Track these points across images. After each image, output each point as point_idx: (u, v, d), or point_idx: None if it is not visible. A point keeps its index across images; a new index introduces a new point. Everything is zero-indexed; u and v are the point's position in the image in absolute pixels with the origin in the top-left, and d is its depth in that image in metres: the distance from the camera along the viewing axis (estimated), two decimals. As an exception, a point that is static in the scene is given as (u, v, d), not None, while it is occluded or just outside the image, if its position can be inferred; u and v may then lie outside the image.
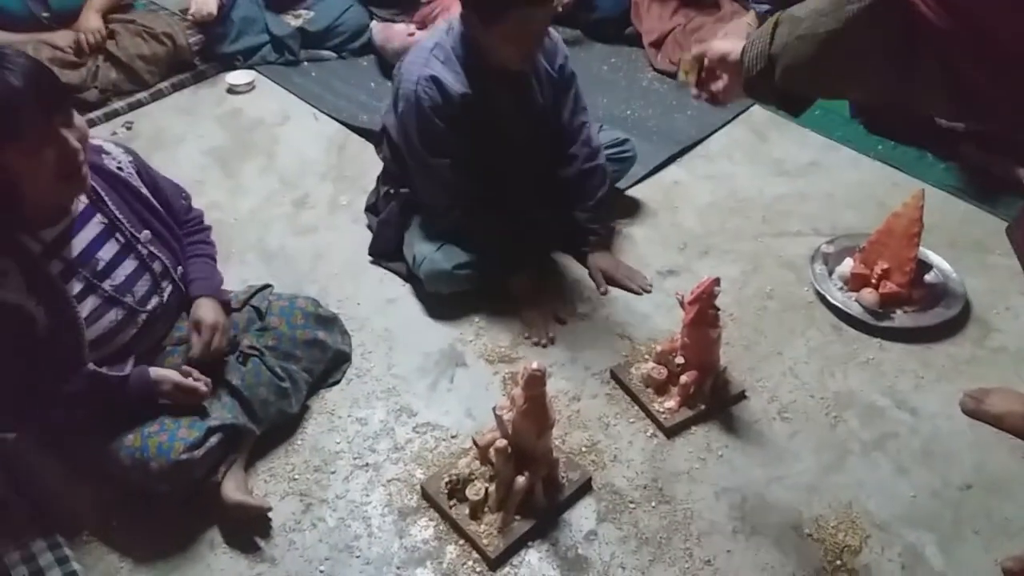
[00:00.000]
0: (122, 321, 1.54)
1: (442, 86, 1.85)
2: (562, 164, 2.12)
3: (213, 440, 1.57)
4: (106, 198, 1.53)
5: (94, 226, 1.51)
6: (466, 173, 1.97)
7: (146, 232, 1.59)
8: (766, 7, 2.93)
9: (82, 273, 1.48)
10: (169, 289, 1.64)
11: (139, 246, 1.57)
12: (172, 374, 1.57)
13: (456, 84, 1.86)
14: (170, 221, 1.67)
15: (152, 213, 1.62)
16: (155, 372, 1.56)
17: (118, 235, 1.54)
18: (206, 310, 1.66)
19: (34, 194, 1.34)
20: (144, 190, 1.62)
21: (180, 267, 1.68)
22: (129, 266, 1.55)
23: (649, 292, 2.14)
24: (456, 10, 3.26)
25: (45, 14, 2.85)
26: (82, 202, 1.50)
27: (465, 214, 2.02)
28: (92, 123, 2.81)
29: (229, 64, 3.17)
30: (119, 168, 1.58)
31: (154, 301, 1.61)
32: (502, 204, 2.05)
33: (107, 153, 1.58)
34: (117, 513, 1.64)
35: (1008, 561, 1.54)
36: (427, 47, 1.91)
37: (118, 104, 2.91)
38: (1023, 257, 1.61)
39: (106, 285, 1.51)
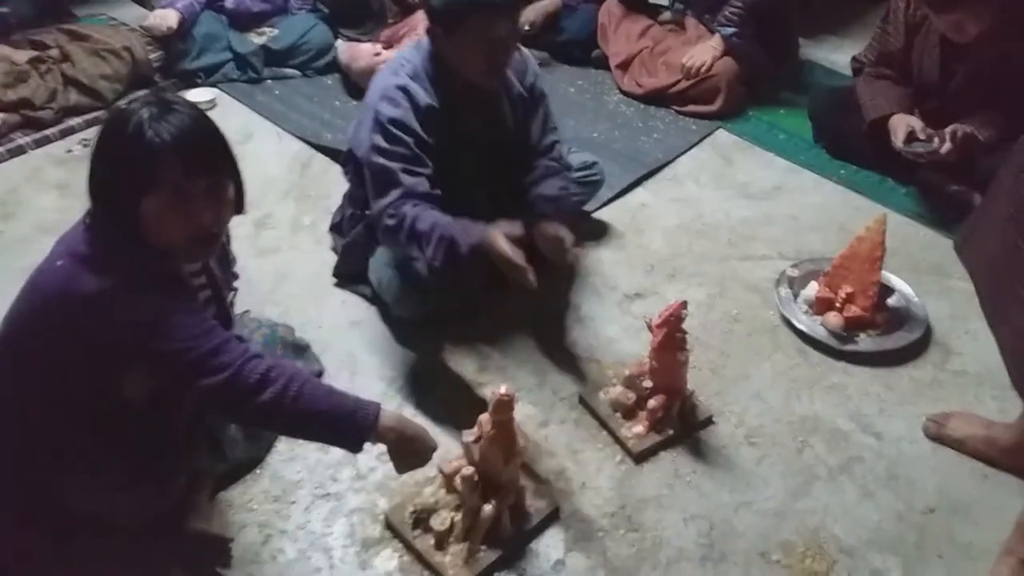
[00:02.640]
0: None
1: (410, 95, 1.83)
2: (527, 173, 2.06)
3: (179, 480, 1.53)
4: (211, 261, 1.54)
5: (197, 280, 1.51)
6: (430, 184, 1.90)
7: (230, 293, 1.62)
8: (731, 30, 2.97)
9: None
10: None
11: (222, 303, 1.58)
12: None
13: (424, 96, 1.84)
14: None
15: (233, 279, 1.65)
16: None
17: (211, 290, 1.55)
18: None
19: (160, 242, 1.34)
20: (231, 255, 1.65)
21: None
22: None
23: (566, 269, 1.96)
24: (423, 30, 3.28)
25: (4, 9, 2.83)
26: None
27: (426, 216, 1.84)
28: (47, 140, 2.76)
29: (191, 81, 3.12)
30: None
31: None
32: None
33: None
34: (75, 548, 1.57)
35: None
36: (395, 63, 1.90)
37: (74, 121, 2.85)
38: (975, 275, 1.62)
39: None
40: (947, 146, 2.32)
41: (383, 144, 1.80)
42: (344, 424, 1.38)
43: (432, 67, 1.86)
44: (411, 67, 1.86)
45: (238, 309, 1.89)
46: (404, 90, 1.83)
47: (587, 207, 2.44)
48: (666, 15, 3.31)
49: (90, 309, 1.27)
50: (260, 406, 1.32)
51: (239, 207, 1.45)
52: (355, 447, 1.42)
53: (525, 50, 2.03)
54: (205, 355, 1.31)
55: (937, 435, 1.83)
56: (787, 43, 3.29)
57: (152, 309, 1.30)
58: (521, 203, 2.05)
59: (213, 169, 1.36)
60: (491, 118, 1.97)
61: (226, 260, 1.63)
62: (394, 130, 1.80)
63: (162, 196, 1.29)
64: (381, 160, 1.80)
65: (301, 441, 1.80)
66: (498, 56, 1.85)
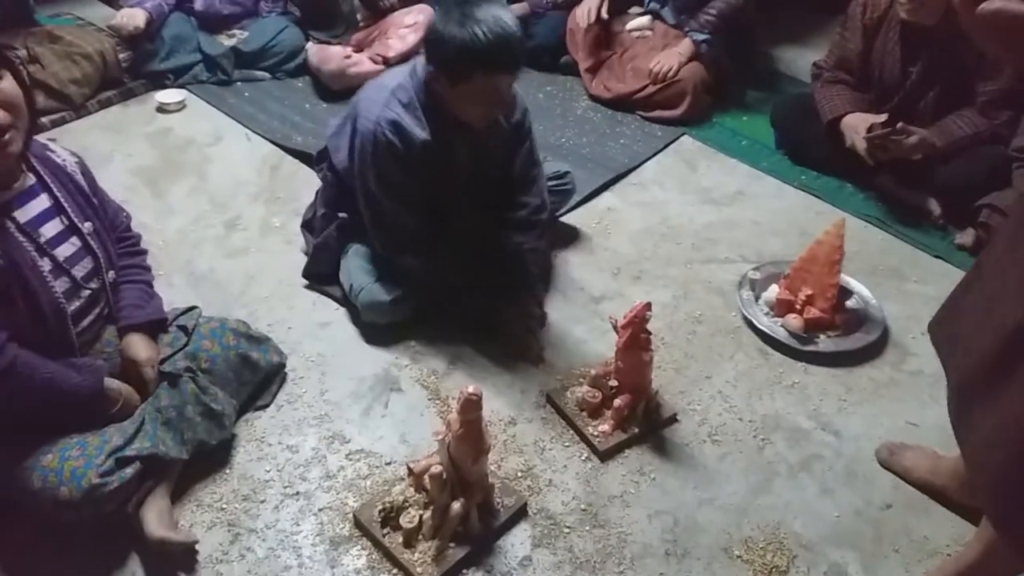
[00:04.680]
0: (67, 292, 1.55)
1: (403, 131, 1.85)
2: (511, 208, 2.13)
3: (129, 471, 1.51)
4: (51, 183, 1.55)
5: (40, 202, 1.53)
6: (421, 216, 1.97)
7: (88, 224, 1.60)
8: (703, 36, 3.02)
9: (31, 237, 1.49)
10: (101, 285, 1.64)
11: (81, 232, 1.58)
12: (123, 386, 1.62)
13: (417, 129, 1.86)
14: (107, 226, 1.68)
15: (93, 211, 1.63)
16: (108, 381, 1.58)
17: (63, 217, 1.56)
18: (138, 349, 1.65)
19: None
20: (87, 188, 1.64)
21: (112, 272, 1.67)
22: (71, 247, 1.57)
23: (538, 365, 2.05)
24: (392, 34, 3.30)
25: None
26: (30, 179, 1.52)
27: (417, 256, 2.00)
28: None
29: (159, 82, 3.11)
30: (63, 163, 1.61)
31: (95, 283, 1.62)
32: (450, 244, 2.04)
33: (51, 151, 1.61)
34: (32, 547, 1.57)
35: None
36: (388, 86, 1.89)
37: (40, 120, 2.82)
38: (949, 364, 1.38)
39: (53, 253, 1.52)
40: (914, 139, 2.39)
41: (379, 179, 1.88)
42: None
43: (425, 98, 1.87)
44: (405, 94, 1.87)
45: (208, 312, 1.89)
46: (398, 126, 1.84)
47: (556, 211, 2.48)
48: (633, 23, 3.36)
49: None
50: None
51: (31, 115, 1.45)
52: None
53: (515, 87, 2.05)
54: None
55: (886, 460, 1.83)
56: (751, 52, 3.36)
57: None
58: (499, 223, 2.13)
59: None
60: (477, 151, 1.99)
61: (74, 186, 1.61)
62: (395, 165, 1.86)
63: None
64: (381, 195, 1.90)
65: (271, 441, 1.81)
66: (498, 107, 1.89)
